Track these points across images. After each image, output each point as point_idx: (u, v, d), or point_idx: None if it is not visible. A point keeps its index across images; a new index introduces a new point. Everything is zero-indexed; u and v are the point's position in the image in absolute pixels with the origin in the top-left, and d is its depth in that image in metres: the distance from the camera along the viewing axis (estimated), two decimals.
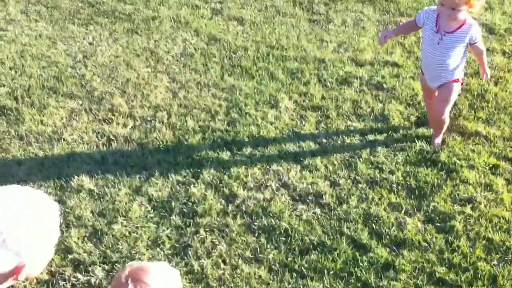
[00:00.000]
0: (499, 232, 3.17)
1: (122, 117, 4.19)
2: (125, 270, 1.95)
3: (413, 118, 4.16)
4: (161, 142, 3.94)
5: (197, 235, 3.20)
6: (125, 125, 4.11)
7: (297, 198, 3.48)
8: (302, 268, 2.98)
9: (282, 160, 3.77)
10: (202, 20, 5.67)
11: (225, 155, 3.81)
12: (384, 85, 4.55)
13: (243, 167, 3.71)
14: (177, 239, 3.17)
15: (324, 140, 3.95)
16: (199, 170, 3.67)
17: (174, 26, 5.54)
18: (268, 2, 6.00)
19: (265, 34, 5.37)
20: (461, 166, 3.67)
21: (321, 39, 5.26)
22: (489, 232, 3.17)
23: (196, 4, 5.99)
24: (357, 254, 3.05)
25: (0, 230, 1.69)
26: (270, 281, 2.92)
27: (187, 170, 3.67)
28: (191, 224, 3.28)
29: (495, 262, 2.99)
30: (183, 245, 3.14)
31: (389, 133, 4.01)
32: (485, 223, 3.24)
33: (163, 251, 3.08)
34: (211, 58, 4.99)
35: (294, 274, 2.94)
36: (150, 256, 3.05)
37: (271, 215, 3.32)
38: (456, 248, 3.08)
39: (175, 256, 3.06)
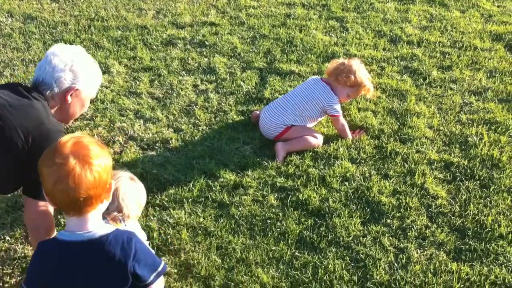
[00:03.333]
0: (322, 145, 3.76)
1: None
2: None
3: (236, 67, 4.61)
4: None
5: None
6: None
7: (146, 147, 3.72)
8: (163, 201, 3.25)
9: (124, 117, 3.96)
10: (13, 1, 5.50)
11: None
12: (206, 42, 4.94)
13: (87, 129, 3.83)
14: None
15: (161, 95, 4.22)
16: None
17: None
18: None
19: (82, 9, 5.41)
20: None
21: (139, 8, 5.47)
22: None
23: None
24: (209, 182, 3.41)
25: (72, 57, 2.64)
26: None
27: None
28: None
29: (322, 167, 3.57)
30: None
31: (218, 81, 4.41)
32: None
33: None
34: (31, 36, 4.93)
35: (157, 208, 3.20)
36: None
37: (124, 164, 3.52)
38: (290, 162, 3.60)
39: None
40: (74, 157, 1.73)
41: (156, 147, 3.70)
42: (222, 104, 4.16)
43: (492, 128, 3.95)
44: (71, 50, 2.72)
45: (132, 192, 2.38)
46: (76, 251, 1.82)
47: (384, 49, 4.93)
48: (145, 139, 3.76)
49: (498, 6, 5.75)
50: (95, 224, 1.85)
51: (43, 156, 1.80)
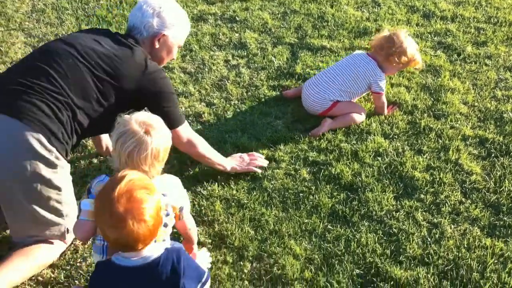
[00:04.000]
0: None
1: None
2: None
3: (267, 42, 4.60)
4: None
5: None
6: None
7: None
8: (197, 174, 3.29)
9: None
10: None
11: None
12: (236, 18, 4.93)
13: None
14: None
15: (192, 70, 4.25)
16: None
17: None
18: None
19: None
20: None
21: None
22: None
23: None
24: None
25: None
26: None
27: None
28: None
29: (354, 142, 3.56)
30: None
31: (249, 57, 4.41)
32: None
33: None
34: (64, 11, 4.98)
35: (191, 179, 3.24)
36: None
37: None
38: (322, 137, 3.60)
39: None
40: (131, 217, 1.82)
41: (189, 121, 3.73)
42: (254, 79, 4.16)
43: None
44: None
45: (151, 152, 2.18)
46: (130, 275, 1.93)
47: (417, 25, 4.85)
48: None
49: None
50: (149, 249, 1.96)
51: (99, 208, 1.88)
